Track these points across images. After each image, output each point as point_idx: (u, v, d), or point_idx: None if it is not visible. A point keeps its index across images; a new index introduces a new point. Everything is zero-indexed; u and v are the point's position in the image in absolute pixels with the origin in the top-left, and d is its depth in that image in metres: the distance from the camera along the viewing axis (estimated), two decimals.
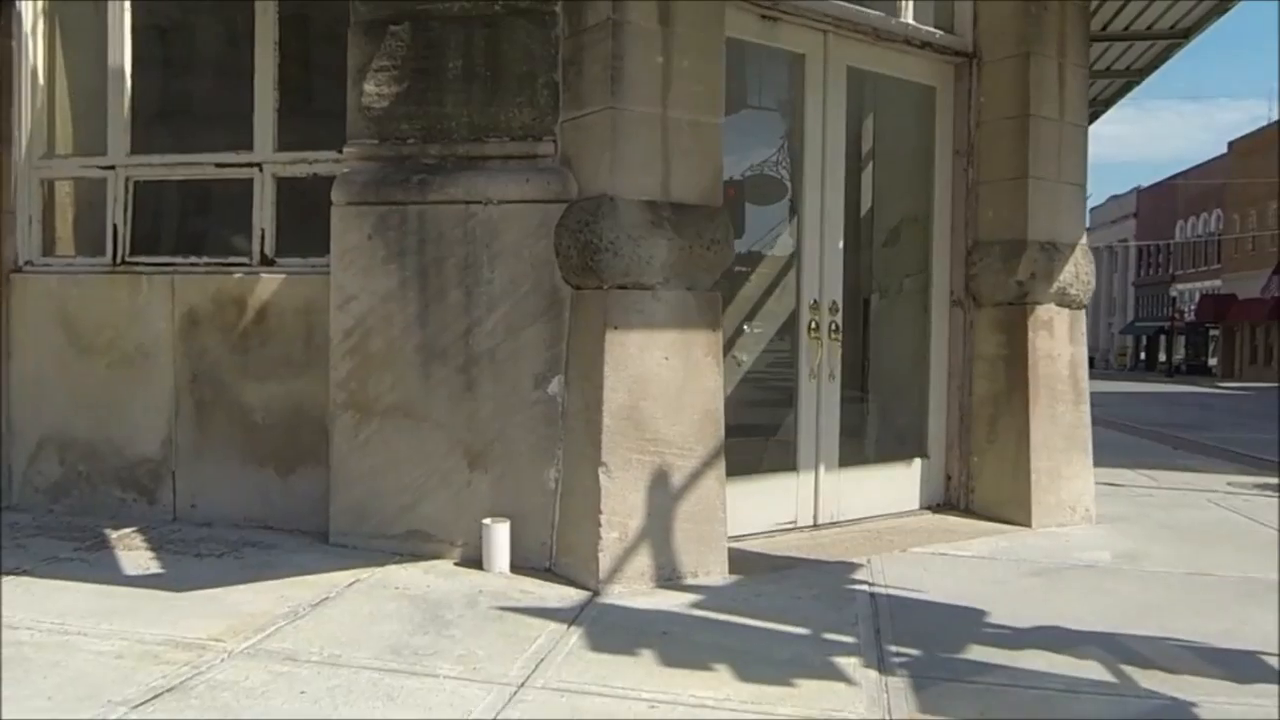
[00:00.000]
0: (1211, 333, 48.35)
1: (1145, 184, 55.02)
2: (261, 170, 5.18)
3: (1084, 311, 6.36)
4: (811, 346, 5.64)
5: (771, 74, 5.75)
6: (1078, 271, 6.17)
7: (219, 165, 5.25)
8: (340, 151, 4.91)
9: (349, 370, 4.71)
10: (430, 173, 4.66)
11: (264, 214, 5.17)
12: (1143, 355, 56.45)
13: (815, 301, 5.65)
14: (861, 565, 4.87)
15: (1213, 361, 48.11)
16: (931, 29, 6.10)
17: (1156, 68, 8.94)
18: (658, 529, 4.37)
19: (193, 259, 5.25)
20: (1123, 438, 13.15)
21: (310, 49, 5.28)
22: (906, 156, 6.57)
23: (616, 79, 4.27)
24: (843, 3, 5.63)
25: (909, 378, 6.47)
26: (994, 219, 6.13)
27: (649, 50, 4.36)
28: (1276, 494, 7.65)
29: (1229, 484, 8.37)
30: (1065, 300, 6.15)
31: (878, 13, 5.84)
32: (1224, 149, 46.53)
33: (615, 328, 4.30)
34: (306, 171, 5.13)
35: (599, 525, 4.23)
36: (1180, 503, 7.21)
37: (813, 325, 5.63)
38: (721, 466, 4.57)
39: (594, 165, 4.39)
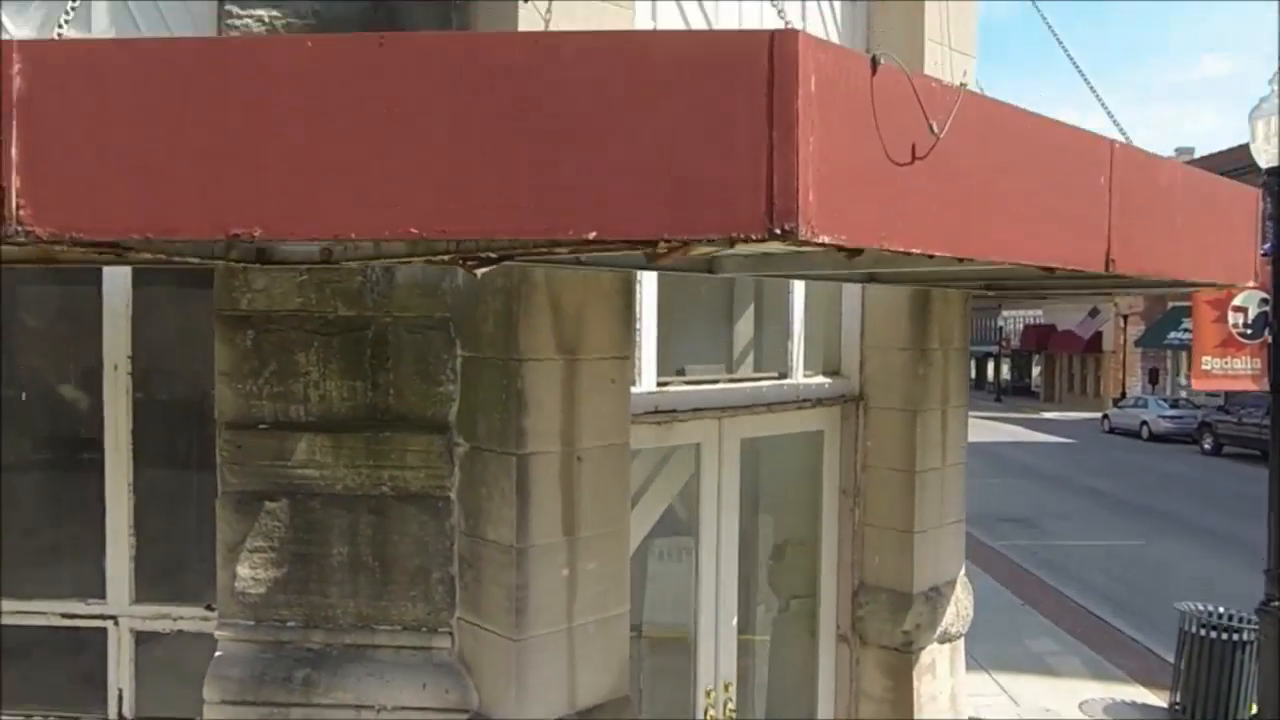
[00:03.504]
0: (1035, 359, 51.75)
1: None
2: (117, 624, 4.69)
3: (962, 639, 6.53)
4: None
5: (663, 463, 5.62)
6: (958, 610, 6.33)
7: (66, 615, 4.72)
8: (209, 608, 4.51)
9: None
10: (314, 665, 4.31)
11: (121, 672, 4.69)
12: (973, 376, 60.01)
13: (710, 690, 5.57)
14: None
15: (1036, 382, 51.52)
16: (822, 381, 6.10)
17: None
18: None
19: None
20: None
21: (170, 481, 4.79)
22: (795, 489, 6.58)
23: (521, 609, 4.04)
24: (738, 385, 5.56)
25: (796, 709, 6.50)
26: (880, 565, 6.21)
27: (554, 567, 4.14)
28: None
29: (1081, 706, 8.86)
30: (947, 638, 6.30)
31: (770, 381, 5.80)
32: None
33: None
34: (170, 628, 4.67)
35: None
36: None
37: (709, 713, 5.55)
38: None
39: (497, 690, 4.15)
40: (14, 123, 2.65)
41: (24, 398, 4.78)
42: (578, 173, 2.56)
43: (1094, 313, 41.03)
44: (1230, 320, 7.83)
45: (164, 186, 2.65)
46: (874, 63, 2.78)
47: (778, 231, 2.54)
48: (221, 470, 4.37)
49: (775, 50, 2.52)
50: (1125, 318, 39.31)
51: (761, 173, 2.52)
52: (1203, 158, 35.59)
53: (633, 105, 2.56)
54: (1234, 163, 29.20)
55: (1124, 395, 37.10)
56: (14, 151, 2.65)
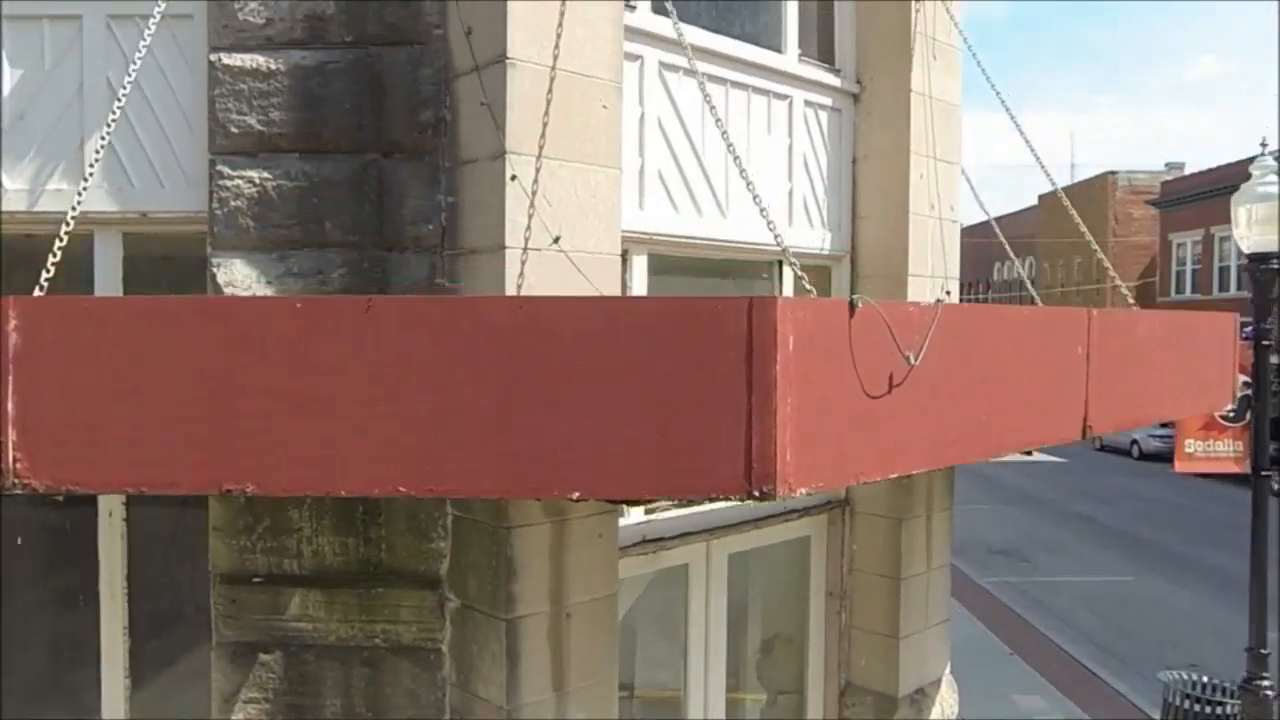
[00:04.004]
0: None
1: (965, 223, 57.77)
2: None
3: None
4: None
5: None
6: (943, 709, 6.42)
7: None
8: None
9: None
10: None
11: None
12: None
13: None
14: None
15: None
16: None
17: None
18: None
19: None
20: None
21: (165, 624, 4.85)
22: (783, 587, 6.66)
23: None
24: (726, 503, 5.62)
25: None
26: (866, 667, 6.29)
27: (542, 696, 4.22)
28: None
29: None
30: None
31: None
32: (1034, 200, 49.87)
33: None
34: None
35: None
36: None
37: None
38: None
39: None
40: (10, 378, 2.71)
41: (19, 542, 4.83)
42: (561, 437, 2.63)
43: None
44: None
45: (158, 443, 2.71)
46: (852, 307, 2.86)
47: (756, 494, 2.62)
48: (216, 622, 4.44)
49: (754, 317, 2.59)
50: None
51: (740, 438, 2.60)
52: (1194, 174, 35.78)
53: (614, 370, 2.63)
54: (1225, 180, 29.35)
55: None
56: (10, 406, 2.71)
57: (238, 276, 4.34)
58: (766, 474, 2.60)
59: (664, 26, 4.86)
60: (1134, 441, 30.85)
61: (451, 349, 2.65)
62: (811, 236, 6.03)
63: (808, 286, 3.64)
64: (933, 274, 6.14)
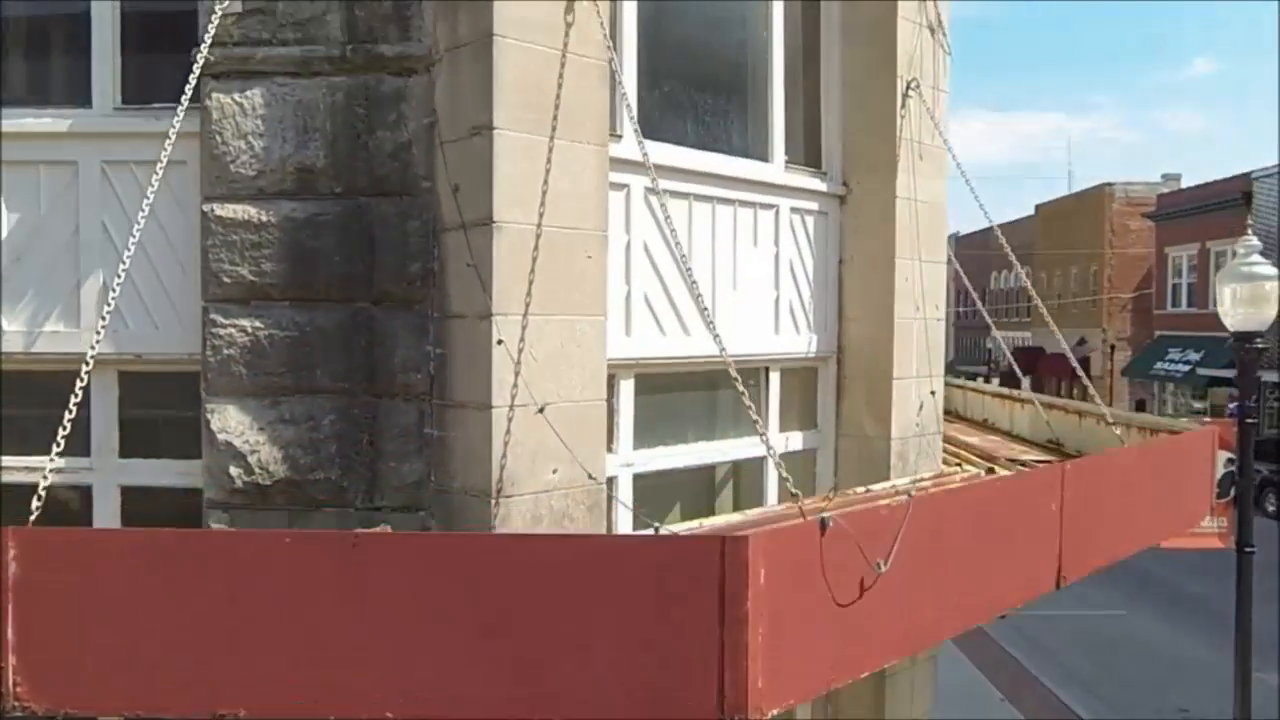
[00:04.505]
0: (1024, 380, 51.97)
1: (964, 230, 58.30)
2: None
3: None
4: None
5: None
6: None
7: None
8: None
9: None
10: None
11: None
12: None
13: None
14: None
15: None
16: None
17: None
18: None
19: None
20: None
21: None
22: None
23: None
24: None
25: None
26: None
27: None
28: None
29: None
30: None
31: None
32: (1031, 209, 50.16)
33: None
34: None
35: None
36: None
37: None
38: None
39: None
40: (9, 605, 2.81)
41: None
42: (540, 668, 2.73)
43: (1081, 341, 41.41)
44: None
45: (153, 669, 2.82)
46: (823, 526, 2.96)
47: None
48: None
49: (726, 557, 2.69)
50: (1113, 346, 39.66)
51: (713, 673, 2.70)
52: (1190, 189, 35.90)
53: (592, 606, 2.73)
54: (1219, 195, 29.42)
55: None
56: (10, 633, 2.81)
57: (231, 423, 4.43)
58: (739, 704, 2.70)
59: (650, 152, 4.94)
60: None
61: (433, 584, 2.75)
62: (798, 341, 6.12)
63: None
64: (917, 375, 6.23)
